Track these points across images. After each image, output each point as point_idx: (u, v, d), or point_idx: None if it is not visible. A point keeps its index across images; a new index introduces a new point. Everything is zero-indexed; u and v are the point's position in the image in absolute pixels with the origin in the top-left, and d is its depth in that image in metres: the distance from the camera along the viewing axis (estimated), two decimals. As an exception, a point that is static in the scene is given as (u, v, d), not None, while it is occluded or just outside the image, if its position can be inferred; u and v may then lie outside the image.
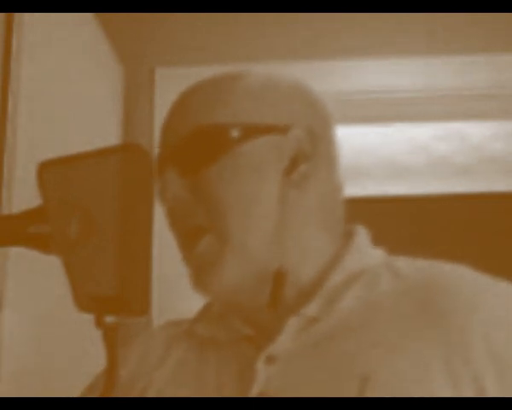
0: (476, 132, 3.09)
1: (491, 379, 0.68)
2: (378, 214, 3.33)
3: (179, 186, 0.77)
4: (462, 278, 0.76)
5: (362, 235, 0.84)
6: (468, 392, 0.68)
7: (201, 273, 0.77)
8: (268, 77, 0.82)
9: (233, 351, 0.79)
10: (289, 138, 0.79)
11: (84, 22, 1.58)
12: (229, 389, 0.76)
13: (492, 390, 0.68)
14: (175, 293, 1.70)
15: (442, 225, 3.49)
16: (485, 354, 0.69)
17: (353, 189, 3.35)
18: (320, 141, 0.81)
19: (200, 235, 0.76)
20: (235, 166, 0.76)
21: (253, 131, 0.77)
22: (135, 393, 0.82)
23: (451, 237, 3.45)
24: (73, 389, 0.90)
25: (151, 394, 0.81)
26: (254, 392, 0.73)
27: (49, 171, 0.59)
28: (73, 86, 1.50)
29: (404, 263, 0.81)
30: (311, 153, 0.80)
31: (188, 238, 0.78)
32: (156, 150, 0.83)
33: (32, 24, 1.27)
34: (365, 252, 0.82)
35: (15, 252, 1.11)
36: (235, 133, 0.77)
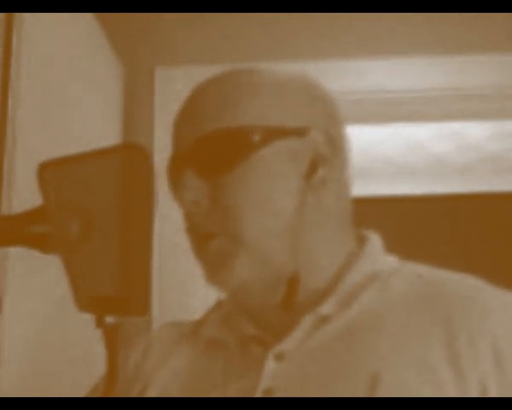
0: (475, 132, 3.09)
1: (495, 386, 0.69)
2: (377, 214, 3.33)
3: (198, 190, 0.76)
4: (472, 287, 0.77)
5: (375, 240, 0.84)
6: (473, 395, 0.69)
7: (214, 267, 0.77)
8: (282, 75, 0.81)
9: (240, 350, 0.79)
10: (308, 142, 0.78)
11: (84, 22, 1.58)
12: (236, 387, 0.75)
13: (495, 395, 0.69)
14: (175, 293, 1.70)
15: (441, 225, 3.49)
16: (491, 361, 0.70)
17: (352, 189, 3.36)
18: (337, 143, 0.81)
19: (216, 233, 0.77)
20: (254, 170, 0.76)
21: (273, 134, 0.76)
22: (134, 393, 0.82)
23: (451, 236, 3.45)
24: (74, 388, 0.90)
25: (152, 394, 0.81)
26: (262, 388, 0.73)
27: (49, 171, 0.59)
28: (73, 86, 1.50)
29: (414, 269, 0.82)
30: (330, 156, 0.79)
31: (202, 240, 0.78)
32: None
33: (32, 24, 1.27)
34: (378, 256, 0.83)
35: (15, 252, 1.11)
36: (256, 137, 0.75)
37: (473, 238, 3.44)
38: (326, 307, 0.76)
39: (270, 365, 0.75)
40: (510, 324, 0.73)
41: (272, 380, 0.74)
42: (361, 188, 3.47)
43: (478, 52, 1.83)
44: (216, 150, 0.76)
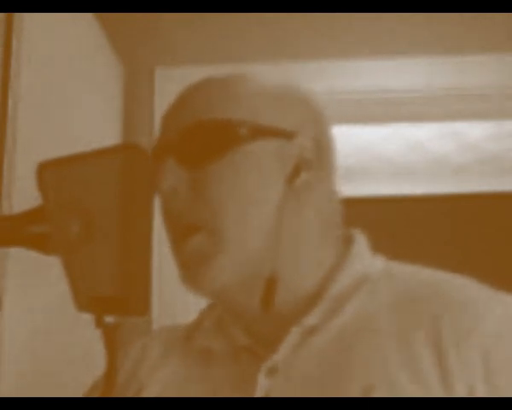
0: (475, 132, 3.09)
1: (483, 387, 0.68)
2: (377, 214, 3.33)
3: (178, 178, 0.74)
4: (462, 287, 0.76)
5: (361, 242, 0.83)
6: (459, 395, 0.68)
7: (191, 269, 0.75)
8: (273, 81, 0.81)
9: (232, 361, 0.78)
10: (294, 145, 0.77)
11: (84, 22, 1.58)
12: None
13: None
14: (175, 293, 1.70)
15: (441, 225, 3.49)
16: (479, 363, 0.69)
17: (352, 189, 3.37)
18: (323, 148, 0.80)
19: (193, 232, 0.75)
20: (239, 164, 0.75)
21: (260, 131, 0.76)
22: (129, 394, 0.82)
23: (451, 236, 3.45)
24: (74, 388, 0.91)
25: (147, 396, 0.80)
26: None
27: (48, 171, 0.59)
28: (73, 86, 1.50)
29: (402, 270, 0.81)
30: (315, 162, 0.79)
31: (180, 234, 0.76)
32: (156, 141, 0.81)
33: (31, 24, 1.27)
34: (365, 260, 0.81)
35: (15, 252, 1.11)
36: (243, 131, 0.75)
37: (472, 238, 3.44)
38: (312, 318, 0.75)
39: (263, 379, 0.74)
40: (500, 324, 0.72)
41: (265, 394, 0.73)
42: (361, 188, 3.48)
43: (478, 52, 1.83)
44: (201, 140, 0.75)
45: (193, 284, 0.76)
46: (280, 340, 0.75)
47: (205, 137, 0.75)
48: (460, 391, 0.68)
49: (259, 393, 0.73)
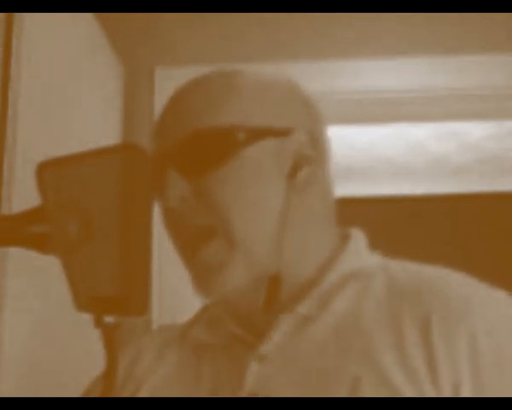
0: (475, 132, 3.09)
1: (470, 384, 0.68)
2: (377, 214, 3.33)
3: (183, 189, 0.75)
4: (454, 283, 0.76)
5: (358, 238, 0.84)
6: (446, 393, 0.68)
7: (207, 276, 0.76)
8: (265, 77, 0.81)
9: (227, 352, 0.79)
10: (291, 142, 0.78)
11: (84, 22, 1.58)
12: (223, 390, 0.76)
13: (467, 394, 0.68)
14: (175, 293, 1.70)
15: (441, 225, 3.49)
16: (467, 359, 0.69)
17: (351, 189, 3.37)
18: (319, 144, 0.81)
19: (207, 238, 0.75)
20: (240, 170, 0.75)
21: (257, 133, 0.76)
22: (126, 393, 0.82)
23: (451, 236, 3.45)
24: (74, 388, 0.91)
25: (144, 396, 0.80)
26: (245, 391, 0.73)
27: (48, 171, 0.59)
28: (73, 86, 1.50)
29: (397, 266, 0.81)
30: (313, 156, 0.79)
31: (191, 241, 0.76)
32: (152, 147, 0.81)
33: (31, 24, 1.27)
34: (360, 254, 0.82)
35: (15, 252, 1.11)
36: (241, 136, 0.75)
37: (473, 238, 3.44)
38: (303, 307, 0.76)
39: (253, 367, 0.74)
40: (490, 321, 0.72)
41: (255, 383, 0.73)
42: (361, 188, 3.48)
43: (478, 52, 1.83)
44: (199, 150, 0.75)
45: (205, 291, 0.77)
46: (273, 329, 0.76)
47: (203, 147, 0.75)
48: (446, 390, 0.68)
49: (249, 380, 0.74)
